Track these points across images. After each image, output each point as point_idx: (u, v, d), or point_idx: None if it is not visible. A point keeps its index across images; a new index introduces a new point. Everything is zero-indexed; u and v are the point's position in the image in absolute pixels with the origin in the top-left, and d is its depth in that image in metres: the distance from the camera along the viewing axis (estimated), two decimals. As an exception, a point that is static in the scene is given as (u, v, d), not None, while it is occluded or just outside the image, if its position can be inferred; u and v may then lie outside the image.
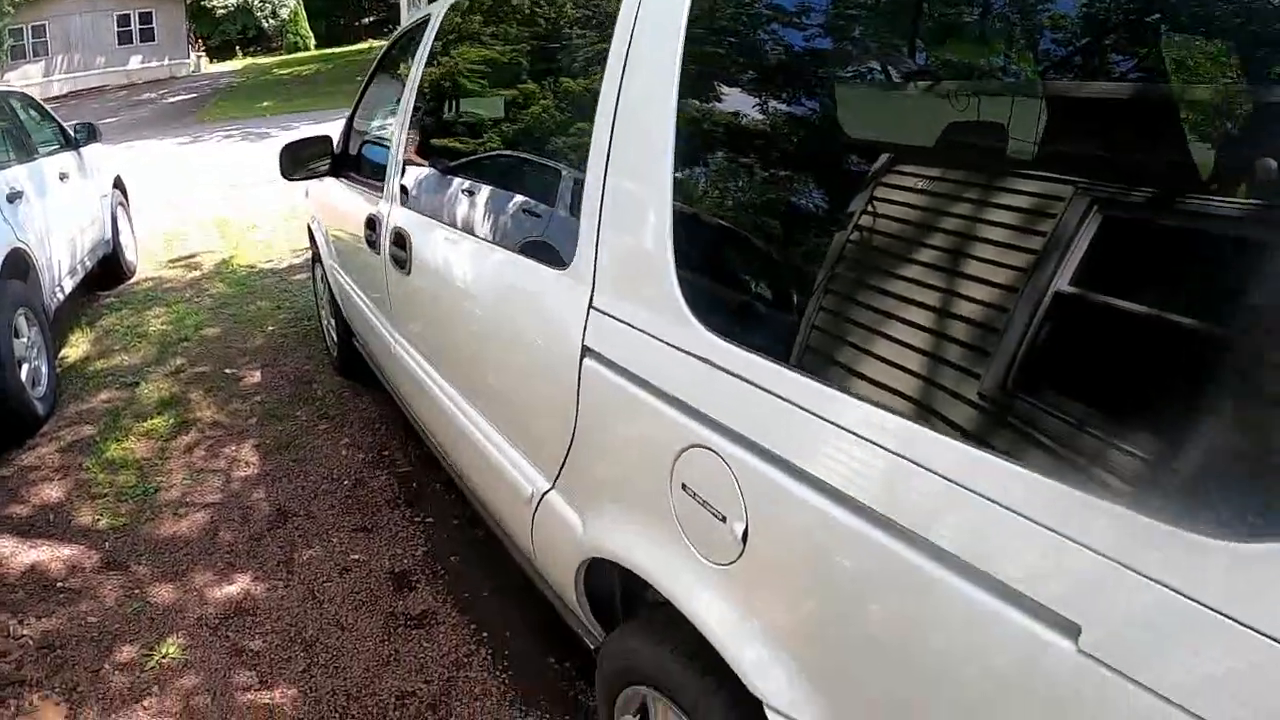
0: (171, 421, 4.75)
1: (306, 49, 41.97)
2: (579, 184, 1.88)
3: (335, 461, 4.20)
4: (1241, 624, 0.77)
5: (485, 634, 2.91)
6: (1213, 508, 0.81)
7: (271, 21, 42.05)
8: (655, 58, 1.66)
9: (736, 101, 1.61)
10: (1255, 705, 0.77)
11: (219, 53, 42.89)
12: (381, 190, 3.43)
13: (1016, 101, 1.13)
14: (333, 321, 4.94)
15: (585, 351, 1.79)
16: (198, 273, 7.89)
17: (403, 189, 3.24)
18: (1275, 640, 0.75)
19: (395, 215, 3.18)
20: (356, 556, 3.39)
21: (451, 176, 2.92)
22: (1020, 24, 1.15)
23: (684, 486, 1.50)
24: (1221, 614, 0.78)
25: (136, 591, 3.27)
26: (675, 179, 1.59)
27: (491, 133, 2.85)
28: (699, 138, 1.61)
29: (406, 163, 3.28)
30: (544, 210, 2.25)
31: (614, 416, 1.75)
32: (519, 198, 2.43)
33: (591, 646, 2.15)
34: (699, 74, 1.60)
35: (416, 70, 3.29)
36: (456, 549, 3.41)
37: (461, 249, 2.60)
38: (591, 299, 1.79)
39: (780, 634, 1.36)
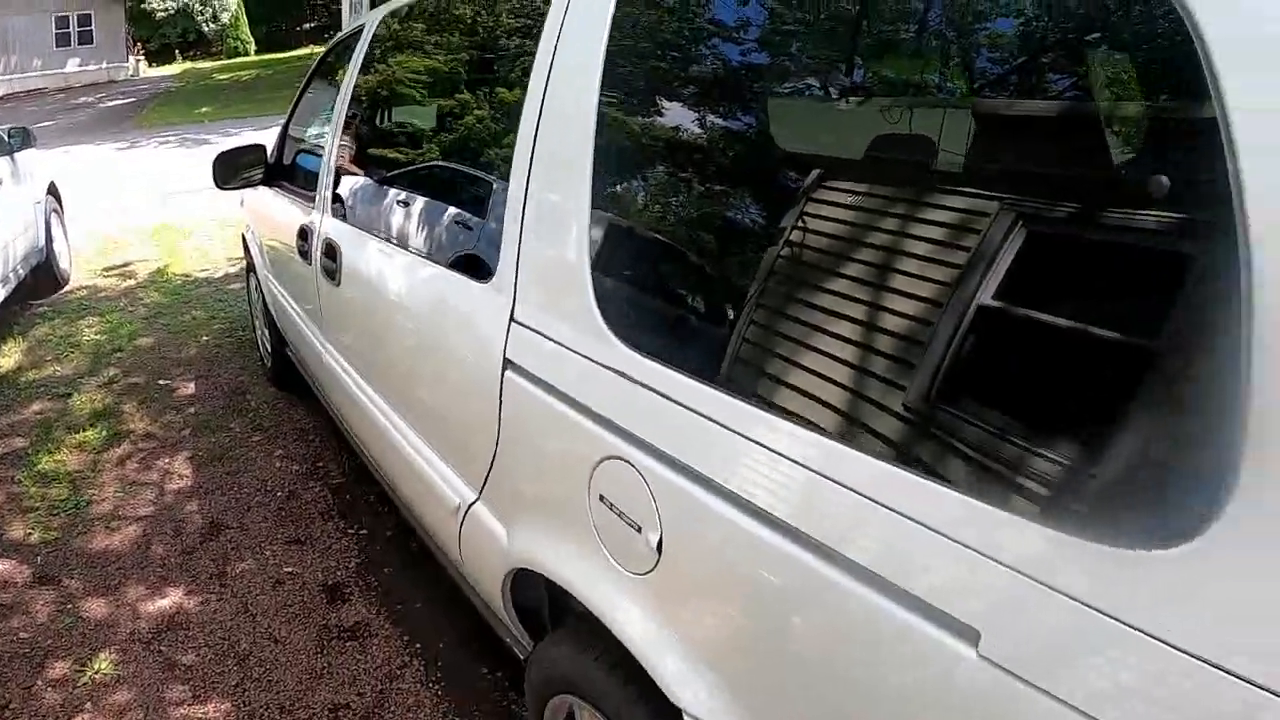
0: (104, 433, 4.67)
1: (247, 54, 41.45)
2: (503, 197, 1.89)
3: (269, 473, 4.16)
4: (1135, 629, 0.80)
5: (418, 645, 2.91)
6: (1105, 517, 0.84)
7: (212, 26, 41.54)
8: (577, 72, 1.69)
9: (655, 117, 1.63)
10: (1148, 709, 0.80)
11: (158, 57, 42.22)
12: (314, 200, 3.42)
13: (938, 116, 1.15)
14: (267, 332, 4.88)
15: (507, 364, 1.81)
16: (132, 281, 7.76)
17: (334, 199, 3.23)
18: (1164, 644, 0.78)
19: (326, 226, 3.17)
20: (290, 569, 3.37)
21: (382, 188, 2.93)
22: (939, 41, 1.18)
23: (601, 498, 1.52)
24: (1117, 620, 0.82)
25: (69, 606, 3.22)
26: (593, 193, 1.61)
27: (421, 144, 2.86)
28: (617, 153, 1.64)
29: (338, 173, 3.27)
30: (470, 223, 2.25)
31: (534, 429, 1.77)
32: (446, 210, 2.44)
33: (521, 656, 2.16)
34: (619, 89, 1.62)
35: (350, 80, 3.29)
36: (390, 560, 3.39)
37: (390, 261, 2.60)
38: (513, 312, 1.81)
39: (698, 644, 1.38)
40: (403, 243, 2.56)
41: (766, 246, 1.34)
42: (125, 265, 8.34)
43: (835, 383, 1.16)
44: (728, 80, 1.51)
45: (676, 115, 1.59)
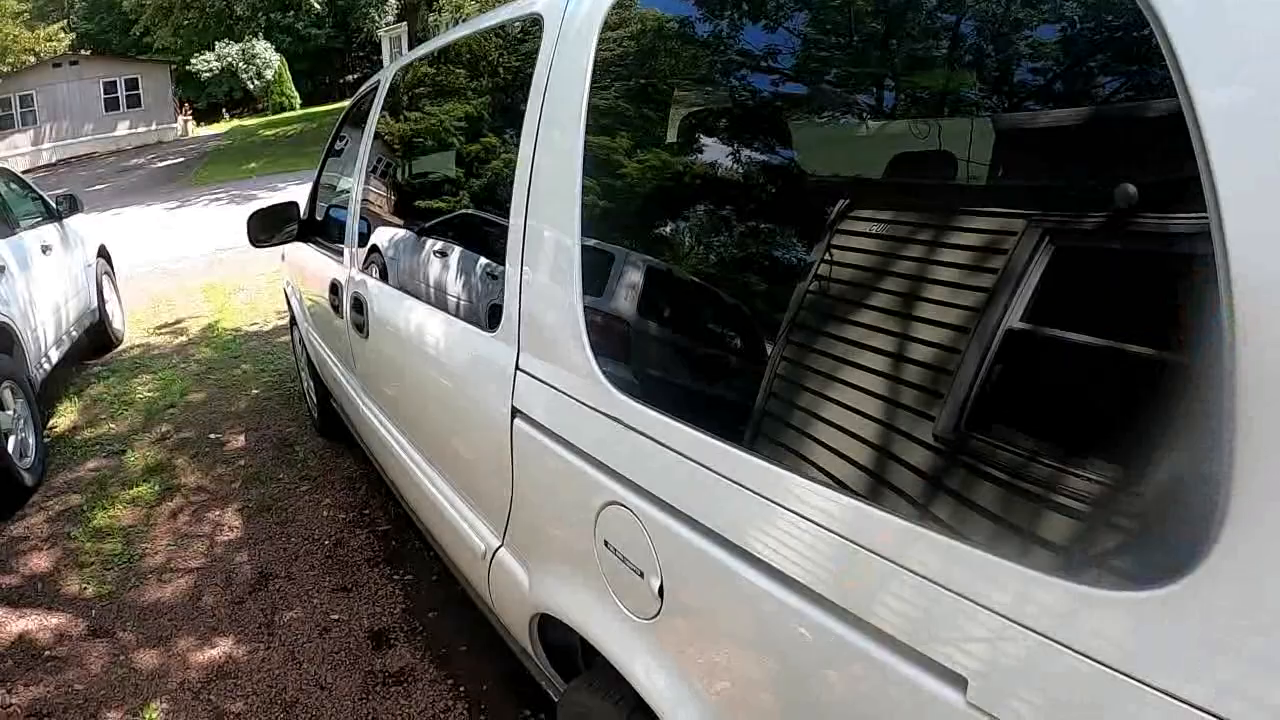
0: (157, 488, 4.79)
1: (293, 109, 42.18)
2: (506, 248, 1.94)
3: (316, 522, 4.24)
4: (1118, 672, 0.78)
5: (462, 689, 2.94)
6: (1092, 559, 0.82)
7: (256, 83, 42.36)
8: (563, 124, 1.74)
9: (637, 169, 1.64)
10: None
11: (205, 116, 43.28)
12: (342, 255, 3.50)
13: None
14: (311, 383, 4.95)
15: (515, 412, 1.85)
16: (184, 338, 7.96)
17: (359, 254, 3.30)
18: (1148, 686, 0.76)
19: (354, 280, 3.25)
20: (336, 616, 3.42)
21: (401, 241, 3.00)
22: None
23: (606, 543, 1.54)
24: (1099, 663, 0.80)
25: (121, 658, 3.30)
26: (584, 245, 1.65)
27: (435, 198, 2.91)
28: (603, 207, 1.66)
29: (362, 228, 3.34)
30: (480, 274, 2.30)
31: (544, 475, 1.80)
32: (459, 263, 2.49)
33: (555, 698, 2.17)
34: (603, 144, 1.65)
35: (368, 136, 3.37)
36: (434, 605, 3.43)
37: (410, 313, 2.66)
38: (518, 361, 1.85)
39: (706, 688, 1.38)
40: (421, 294, 2.62)
41: (753, 289, 1.35)
42: (177, 322, 8.56)
43: (818, 426, 1.15)
44: (702, 125, 1.53)
45: (654, 171, 1.60)
